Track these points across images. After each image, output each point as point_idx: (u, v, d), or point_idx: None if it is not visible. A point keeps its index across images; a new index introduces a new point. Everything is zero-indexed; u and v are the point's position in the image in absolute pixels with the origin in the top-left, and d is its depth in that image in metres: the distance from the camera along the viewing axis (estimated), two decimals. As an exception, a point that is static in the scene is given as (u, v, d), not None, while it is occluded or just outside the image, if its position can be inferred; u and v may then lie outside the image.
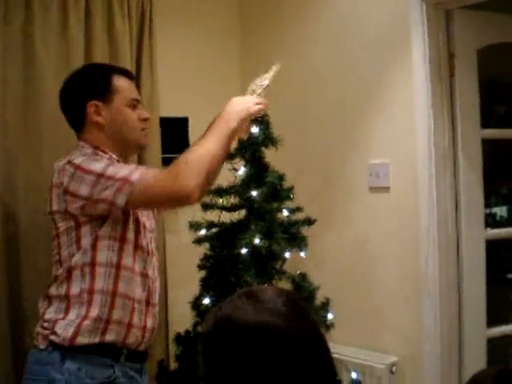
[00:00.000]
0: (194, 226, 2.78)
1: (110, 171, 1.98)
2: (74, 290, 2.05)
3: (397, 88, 3.02)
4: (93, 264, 2.05)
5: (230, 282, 2.68)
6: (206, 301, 2.71)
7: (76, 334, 2.01)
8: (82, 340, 2.02)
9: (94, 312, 2.03)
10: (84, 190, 1.97)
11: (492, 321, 3.15)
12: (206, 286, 2.76)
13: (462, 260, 3.01)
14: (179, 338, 2.86)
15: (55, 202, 2.05)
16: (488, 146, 3.13)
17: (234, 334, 1.21)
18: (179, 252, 3.31)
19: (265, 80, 2.23)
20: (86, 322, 2.02)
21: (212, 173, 2.01)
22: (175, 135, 3.38)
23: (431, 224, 2.91)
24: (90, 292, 2.04)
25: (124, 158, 2.22)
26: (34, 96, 2.86)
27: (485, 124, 3.14)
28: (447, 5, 2.95)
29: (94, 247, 2.05)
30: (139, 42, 3.21)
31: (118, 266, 2.08)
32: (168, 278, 3.31)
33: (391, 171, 3.05)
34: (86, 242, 2.05)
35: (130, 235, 2.11)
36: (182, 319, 2.90)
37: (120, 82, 2.18)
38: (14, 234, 2.84)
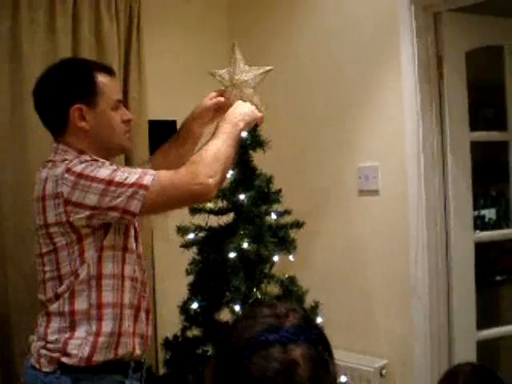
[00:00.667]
0: (182, 230, 2.76)
1: (119, 177, 1.89)
2: (81, 305, 1.94)
3: (385, 90, 3.01)
4: (99, 277, 1.95)
5: (218, 287, 2.67)
6: (195, 305, 2.69)
7: (93, 352, 1.93)
8: (98, 358, 1.94)
9: (108, 327, 1.96)
10: (91, 200, 1.87)
11: (481, 323, 3.15)
12: (195, 291, 2.74)
13: (451, 262, 3.01)
14: (168, 343, 2.84)
15: (51, 214, 1.92)
16: (476, 148, 3.13)
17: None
18: (167, 256, 3.29)
19: (256, 75, 2.26)
20: (102, 339, 1.94)
21: (226, 170, 2.04)
22: (163, 138, 3.33)
23: (420, 226, 2.91)
24: (99, 307, 1.95)
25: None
26: (21, 98, 2.84)
27: (473, 127, 3.14)
28: (436, 7, 2.95)
29: (99, 259, 1.95)
30: (127, 45, 3.20)
31: (123, 277, 2.01)
32: (156, 283, 3.29)
33: (380, 174, 3.05)
34: (90, 254, 1.94)
35: (131, 244, 2.05)
36: (171, 324, 2.87)
37: (104, 81, 2.05)
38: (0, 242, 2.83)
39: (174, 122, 3.34)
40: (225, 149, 2.03)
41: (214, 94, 2.33)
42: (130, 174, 1.91)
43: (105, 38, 3.08)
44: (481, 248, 3.21)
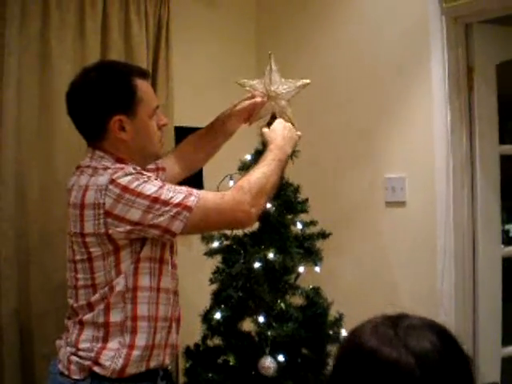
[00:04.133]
0: (207, 238, 2.73)
1: (165, 195, 1.87)
2: (116, 317, 1.92)
3: (415, 102, 2.98)
4: (135, 289, 1.93)
5: (241, 297, 2.64)
6: (217, 315, 2.66)
7: (125, 365, 1.91)
8: (130, 370, 1.93)
9: (142, 340, 1.94)
10: (134, 215, 1.85)
11: (506, 339, 3.10)
12: (218, 300, 2.71)
13: (478, 277, 2.96)
14: (188, 352, 2.81)
15: (89, 224, 1.88)
16: (502, 162, 3.08)
17: (361, 363, 1.05)
18: (190, 264, 3.27)
19: (293, 88, 2.28)
20: (135, 353, 1.92)
21: (269, 200, 2.10)
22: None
23: (448, 240, 2.87)
24: (134, 319, 1.94)
25: (141, 168, 2.07)
26: (49, 99, 2.84)
27: (500, 140, 3.10)
28: (467, 18, 2.91)
29: (135, 271, 1.93)
30: (155, 51, 3.21)
31: (158, 289, 1.99)
32: (179, 291, 3.27)
33: (407, 186, 3.01)
34: (126, 266, 1.92)
35: (167, 255, 2.03)
36: (192, 333, 2.85)
37: (143, 88, 2.00)
38: (25, 245, 2.82)
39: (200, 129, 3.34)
40: (273, 179, 2.05)
41: (247, 101, 2.35)
42: (175, 193, 1.89)
43: (134, 42, 3.09)
44: (506, 263, 3.15)
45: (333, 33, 3.37)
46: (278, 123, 2.25)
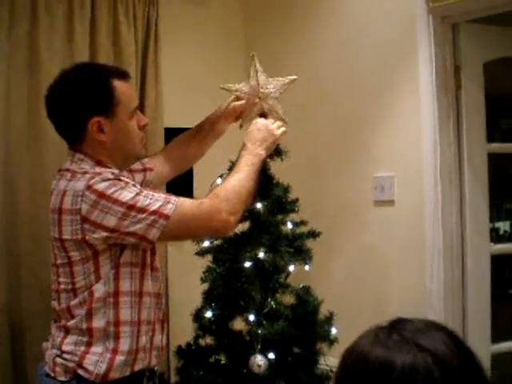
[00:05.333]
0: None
1: (141, 203, 1.85)
2: (98, 323, 1.91)
3: (403, 101, 3.00)
4: (116, 294, 1.91)
5: (232, 295, 2.66)
6: (208, 314, 2.67)
7: (109, 370, 1.90)
8: (114, 375, 1.92)
9: (125, 345, 1.93)
10: (110, 222, 1.83)
11: (495, 337, 3.12)
12: (209, 299, 2.72)
13: (467, 274, 2.98)
14: (180, 351, 2.81)
15: (67, 230, 1.88)
16: (490, 160, 3.11)
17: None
18: (181, 264, 3.28)
19: (280, 85, 2.28)
20: (119, 358, 1.91)
21: (246, 206, 2.08)
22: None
23: (436, 238, 2.89)
24: (117, 324, 1.92)
25: (121, 170, 2.06)
26: (38, 104, 2.85)
27: (488, 138, 3.12)
28: (454, 18, 2.94)
29: (116, 276, 1.91)
30: (144, 52, 3.21)
31: (141, 293, 1.97)
32: (170, 291, 3.28)
33: (396, 184, 3.02)
34: (106, 271, 1.90)
35: (148, 258, 2.01)
36: (183, 332, 2.86)
37: (121, 89, 1.97)
38: (15, 246, 2.83)
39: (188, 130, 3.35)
40: (248, 185, 2.04)
41: (236, 102, 2.36)
42: (153, 200, 1.87)
43: (122, 44, 3.09)
44: (494, 261, 3.18)
45: (320, 32, 3.38)
46: (254, 124, 2.24)
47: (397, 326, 1.03)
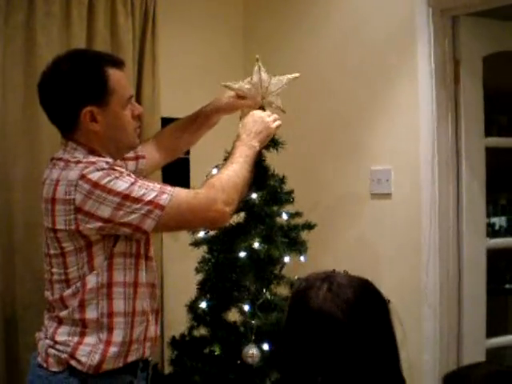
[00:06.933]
0: (193, 228, 2.74)
1: (136, 192, 1.83)
2: (91, 314, 1.89)
3: (401, 94, 2.99)
4: (110, 285, 1.90)
5: (227, 286, 2.65)
6: (203, 304, 2.67)
7: (102, 361, 1.88)
8: (107, 366, 1.90)
9: (118, 337, 1.91)
10: (105, 212, 1.81)
11: (489, 331, 3.12)
12: (203, 290, 2.72)
13: (463, 269, 2.97)
14: (174, 342, 2.81)
15: (60, 220, 1.85)
16: (487, 155, 3.10)
17: (302, 313, 1.37)
18: (176, 254, 3.27)
19: (282, 84, 2.29)
20: (112, 349, 1.90)
21: (242, 196, 2.08)
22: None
23: (432, 232, 2.88)
24: (110, 315, 1.90)
25: (115, 159, 2.02)
26: (34, 91, 2.82)
27: (486, 133, 3.11)
28: (454, 11, 2.92)
29: (109, 267, 1.89)
30: (141, 41, 3.19)
31: (135, 284, 1.95)
32: (164, 281, 3.27)
33: (393, 177, 3.01)
34: (99, 261, 1.88)
35: (142, 249, 1.99)
36: (178, 323, 2.85)
37: (115, 78, 1.94)
38: (10, 236, 2.81)
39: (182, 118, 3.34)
40: (243, 175, 2.04)
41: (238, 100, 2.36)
42: (148, 190, 1.85)
43: (119, 33, 3.07)
44: (490, 256, 3.17)
45: (321, 24, 3.37)
46: (250, 116, 2.23)
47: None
